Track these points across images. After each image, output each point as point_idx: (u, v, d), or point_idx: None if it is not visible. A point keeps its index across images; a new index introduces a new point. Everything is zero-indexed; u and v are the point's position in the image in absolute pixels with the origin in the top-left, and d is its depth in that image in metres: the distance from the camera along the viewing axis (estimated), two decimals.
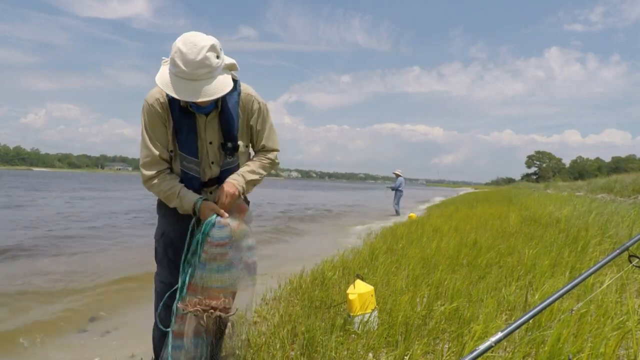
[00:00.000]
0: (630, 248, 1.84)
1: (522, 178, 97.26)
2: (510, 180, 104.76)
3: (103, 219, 12.05)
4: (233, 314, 1.79)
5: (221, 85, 1.76)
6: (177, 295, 1.78)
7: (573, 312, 2.29)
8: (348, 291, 2.98)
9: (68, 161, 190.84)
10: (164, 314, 1.91)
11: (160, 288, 2.01)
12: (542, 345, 2.30)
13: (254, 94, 2.04)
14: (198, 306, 1.71)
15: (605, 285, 2.93)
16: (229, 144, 1.97)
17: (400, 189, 16.45)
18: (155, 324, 2.01)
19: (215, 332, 1.88)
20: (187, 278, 1.76)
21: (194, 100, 1.75)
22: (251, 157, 2.17)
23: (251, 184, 2.02)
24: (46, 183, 36.99)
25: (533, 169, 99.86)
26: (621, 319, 2.56)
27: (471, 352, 1.34)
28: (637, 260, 1.81)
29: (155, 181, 1.90)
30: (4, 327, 3.79)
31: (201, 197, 1.88)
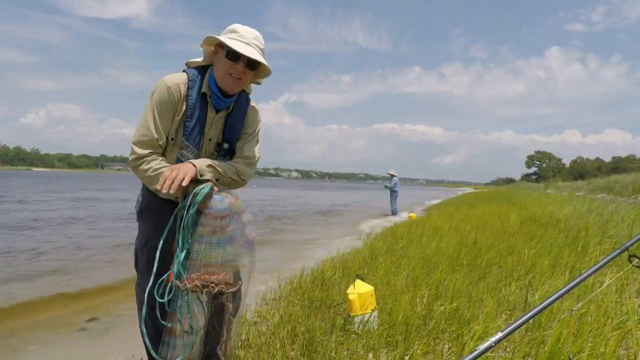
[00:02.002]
0: (630, 248, 1.84)
1: (522, 178, 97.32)
2: (510, 180, 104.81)
3: (122, 221, 12.05)
4: (236, 289, 1.71)
5: (265, 60, 1.89)
6: (174, 275, 1.66)
7: (573, 312, 2.29)
8: (348, 291, 2.98)
9: (68, 161, 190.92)
10: (151, 323, 1.82)
11: (142, 297, 1.82)
12: (542, 346, 2.30)
13: (259, 111, 2.14)
14: (197, 281, 1.62)
15: (605, 285, 2.93)
16: (225, 145, 1.99)
17: (395, 189, 16.42)
18: (142, 335, 1.82)
19: (215, 321, 1.79)
20: (182, 256, 1.65)
21: (253, 57, 1.82)
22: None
23: (211, 170, 1.85)
24: (63, 183, 36.87)
25: (533, 169, 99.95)
26: (621, 319, 2.56)
27: (471, 352, 1.34)
28: (637, 260, 1.81)
29: (146, 159, 1.85)
30: (4, 327, 3.80)
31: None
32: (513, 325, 1.46)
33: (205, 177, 1.79)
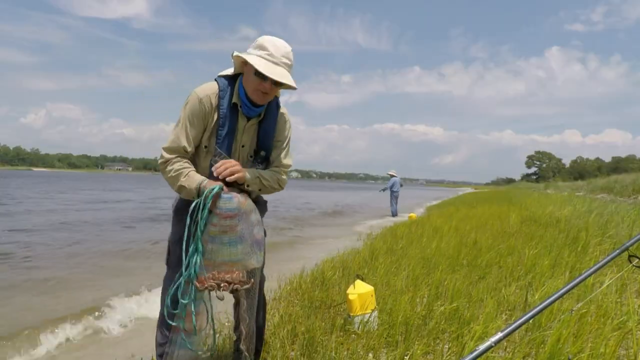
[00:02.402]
0: (630, 248, 1.84)
1: (522, 178, 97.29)
2: (510, 181, 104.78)
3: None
4: (249, 286, 1.75)
5: (292, 80, 1.92)
6: (190, 274, 1.72)
7: (573, 312, 2.29)
8: (348, 291, 2.98)
9: (68, 161, 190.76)
10: (170, 312, 1.88)
11: (169, 289, 1.96)
12: (542, 346, 2.30)
13: (286, 112, 2.18)
14: (212, 280, 1.67)
15: (605, 285, 2.93)
16: (262, 152, 2.07)
17: (394, 189, 16.23)
18: (160, 322, 2.00)
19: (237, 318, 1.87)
20: (198, 256, 1.71)
21: (277, 79, 1.85)
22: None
23: (257, 182, 2.00)
24: (74, 184, 36.94)
25: (533, 169, 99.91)
26: (621, 319, 2.56)
27: (471, 352, 1.34)
28: (637, 260, 1.81)
29: (171, 161, 1.95)
30: (5, 326, 3.80)
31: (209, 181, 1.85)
32: (513, 326, 1.46)
33: (250, 189, 1.94)
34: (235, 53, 1.95)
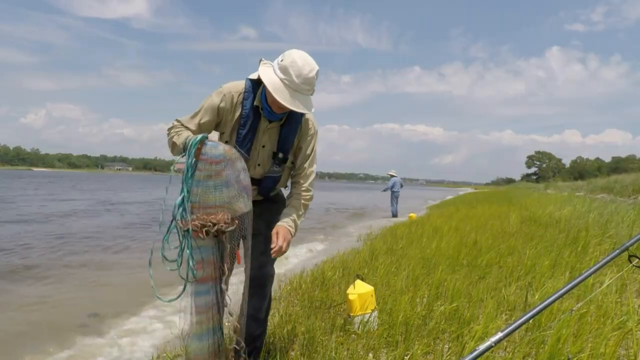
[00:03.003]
0: (630, 248, 1.83)
1: (522, 178, 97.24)
2: (510, 181, 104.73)
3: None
4: (233, 228, 1.80)
5: (310, 104, 1.96)
6: (174, 215, 1.77)
7: (573, 312, 2.29)
8: (348, 291, 2.98)
9: (68, 161, 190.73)
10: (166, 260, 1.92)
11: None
12: (542, 346, 2.30)
13: (313, 119, 2.19)
14: (197, 221, 1.73)
15: (605, 285, 2.93)
16: (280, 155, 2.12)
17: (394, 189, 16.18)
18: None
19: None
20: (179, 200, 1.76)
21: (292, 109, 1.88)
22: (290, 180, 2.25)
23: (298, 227, 2.10)
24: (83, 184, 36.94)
25: (533, 169, 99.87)
26: (621, 319, 2.56)
27: (471, 352, 1.34)
28: (637, 260, 1.81)
29: (175, 127, 2.02)
30: (4, 327, 3.80)
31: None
32: (513, 326, 1.46)
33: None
34: (262, 63, 1.97)
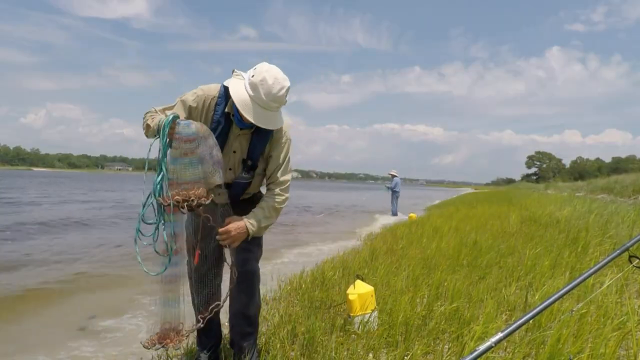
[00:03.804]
0: (631, 248, 1.83)
1: (522, 178, 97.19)
2: (510, 181, 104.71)
3: None
4: (209, 201, 1.88)
5: (280, 120, 2.01)
6: (155, 191, 1.85)
7: (573, 312, 2.29)
8: (348, 291, 2.98)
9: (68, 161, 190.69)
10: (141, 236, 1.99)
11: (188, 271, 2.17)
12: (542, 346, 2.30)
13: (286, 128, 2.18)
14: (177, 197, 1.81)
15: (605, 286, 2.92)
16: (249, 162, 2.14)
17: (396, 189, 16.30)
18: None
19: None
20: (158, 178, 1.85)
21: (260, 125, 1.93)
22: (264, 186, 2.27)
23: (264, 228, 2.12)
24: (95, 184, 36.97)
25: (533, 170, 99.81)
26: (621, 319, 2.56)
27: (471, 353, 1.34)
28: (637, 260, 1.81)
29: (150, 112, 2.07)
30: (4, 327, 3.80)
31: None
32: (513, 326, 1.46)
33: (260, 234, 2.17)
34: (234, 75, 2.02)
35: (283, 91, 1.92)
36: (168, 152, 1.86)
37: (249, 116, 1.89)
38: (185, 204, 1.81)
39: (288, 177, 2.21)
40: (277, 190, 2.16)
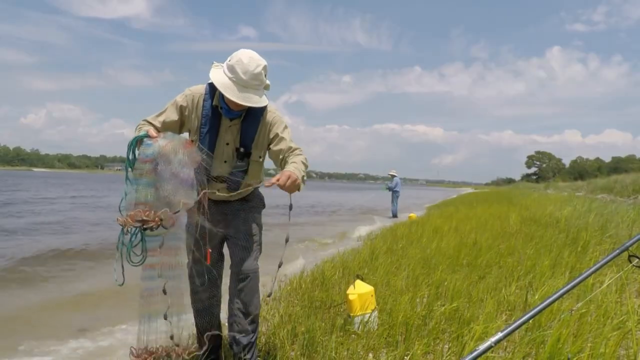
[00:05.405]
0: (630, 248, 1.84)
1: (522, 178, 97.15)
2: (510, 181, 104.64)
3: None
4: (171, 225, 1.84)
5: (263, 99, 2.09)
6: (120, 210, 1.86)
7: (573, 312, 2.30)
8: (348, 291, 2.98)
9: (68, 161, 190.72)
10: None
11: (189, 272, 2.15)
12: (542, 346, 2.30)
13: (274, 110, 2.27)
14: (129, 218, 1.78)
15: (605, 285, 2.93)
16: (242, 149, 2.20)
17: (396, 189, 16.27)
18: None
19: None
20: (124, 196, 1.86)
21: (242, 103, 1.99)
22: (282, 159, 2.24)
23: (303, 179, 2.07)
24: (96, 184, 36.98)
25: (533, 169, 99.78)
26: (621, 319, 2.57)
27: (471, 352, 1.34)
28: (637, 260, 1.81)
29: (141, 124, 2.12)
30: (4, 327, 3.80)
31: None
32: (513, 326, 1.46)
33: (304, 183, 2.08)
34: (213, 66, 2.10)
35: (259, 69, 2.01)
36: (129, 171, 1.88)
37: (231, 96, 1.98)
38: (141, 225, 1.79)
39: (295, 144, 2.25)
40: (297, 151, 2.19)
